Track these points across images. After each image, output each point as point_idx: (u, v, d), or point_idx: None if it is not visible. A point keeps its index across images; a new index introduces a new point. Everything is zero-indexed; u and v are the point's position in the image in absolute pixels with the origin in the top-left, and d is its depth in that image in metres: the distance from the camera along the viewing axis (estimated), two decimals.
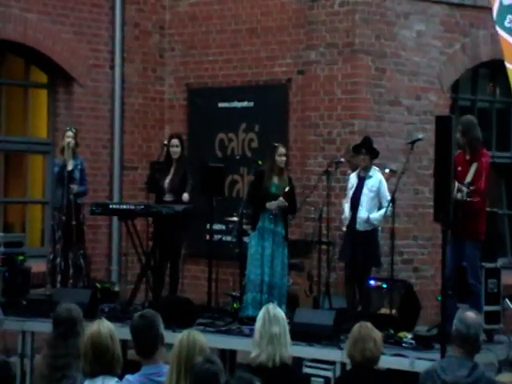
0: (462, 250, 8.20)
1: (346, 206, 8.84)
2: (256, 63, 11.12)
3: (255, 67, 11.12)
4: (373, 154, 8.83)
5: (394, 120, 10.42)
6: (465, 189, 8.00)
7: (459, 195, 7.97)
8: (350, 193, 8.80)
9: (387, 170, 9.17)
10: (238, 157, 11.11)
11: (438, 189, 7.50)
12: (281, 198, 8.88)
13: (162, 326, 4.85)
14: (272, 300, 8.67)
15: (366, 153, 8.76)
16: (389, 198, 8.71)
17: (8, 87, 11.28)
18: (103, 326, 4.57)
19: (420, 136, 9.34)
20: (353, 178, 8.88)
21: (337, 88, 10.35)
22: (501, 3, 7.70)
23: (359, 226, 8.67)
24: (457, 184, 7.88)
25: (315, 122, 10.52)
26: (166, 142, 10.09)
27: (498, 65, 10.45)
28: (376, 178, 8.77)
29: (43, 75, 11.47)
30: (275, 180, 9.01)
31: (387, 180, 9.15)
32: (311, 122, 10.56)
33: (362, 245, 8.60)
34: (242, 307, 8.93)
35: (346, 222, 8.77)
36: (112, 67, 11.49)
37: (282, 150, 9.07)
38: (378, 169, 9.32)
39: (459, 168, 8.22)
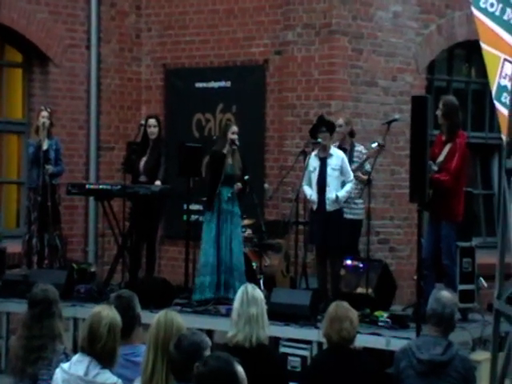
0: (438, 231, 8.25)
1: (307, 189, 8.80)
2: (233, 44, 11.08)
3: (232, 48, 11.09)
4: (332, 130, 8.80)
5: (371, 101, 10.45)
6: (435, 168, 8.07)
7: (434, 168, 8.05)
8: (314, 176, 8.73)
9: (374, 145, 9.09)
10: (215, 137, 11.08)
11: (414, 169, 7.54)
12: (239, 184, 8.99)
13: (138, 307, 4.85)
14: (233, 281, 8.75)
15: (326, 130, 8.74)
16: (351, 174, 8.75)
17: None
18: (107, 315, 4.44)
19: (396, 116, 9.38)
20: (313, 160, 8.73)
21: (314, 69, 10.36)
22: None
23: (329, 207, 8.64)
24: (429, 163, 7.92)
25: (292, 102, 10.52)
26: (142, 123, 10.06)
27: (473, 45, 10.46)
28: (337, 156, 8.72)
29: (18, 55, 11.37)
30: (229, 160, 9.05)
31: (376, 155, 9.12)
32: (288, 102, 10.56)
33: (332, 225, 8.59)
34: (197, 290, 8.92)
35: (315, 205, 8.73)
36: (88, 47, 11.41)
37: (234, 128, 9.12)
38: (361, 145, 9.30)
39: (436, 150, 8.26)
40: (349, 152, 9.22)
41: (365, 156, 9.23)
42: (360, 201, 9.23)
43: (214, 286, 8.83)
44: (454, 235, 8.33)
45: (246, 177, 9.07)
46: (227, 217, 9.00)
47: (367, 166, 9.22)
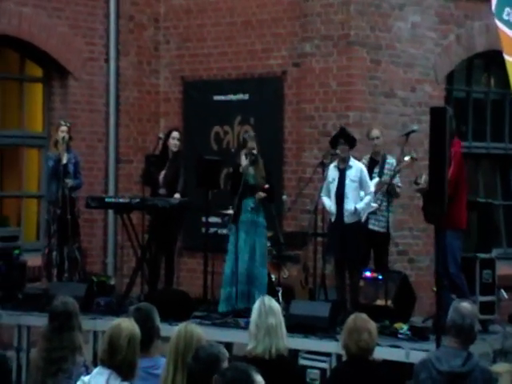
0: (443, 240, 8.19)
1: (326, 199, 8.80)
2: (251, 56, 11.11)
3: (250, 60, 11.12)
4: (351, 143, 8.81)
5: (389, 112, 10.43)
6: (424, 177, 8.06)
7: (415, 185, 8.05)
8: (332, 187, 8.75)
9: (407, 158, 9.00)
10: (233, 150, 11.11)
11: (433, 180, 7.51)
12: (260, 193, 8.99)
13: (157, 319, 4.86)
14: (254, 291, 8.75)
15: (344, 143, 8.73)
16: (371, 185, 8.72)
17: (3, 81, 11.27)
18: (126, 327, 4.43)
19: (414, 127, 9.34)
20: (332, 171, 8.76)
21: (332, 80, 10.36)
22: None
23: (347, 219, 8.64)
24: (419, 173, 7.89)
25: (310, 114, 10.52)
26: (161, 136, 10.10)
27: (492, 56, 10.47)
28: (357, 168, 8.73)
29: (38, 69, 11.46)
30: (251, 170, 9.07)
31: (408, 167, 9.06)
32: (306, 114, 10.56)
33: (350, 237, 8.59)
34: (222, 301, 8.95)
35: (333, 217, 8.73)
36: (107, 60, 11.48)
37: (252, 144, 9.13)
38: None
39: None
40: (380, 164, 9.17)
41: (397, 168, 9.06)
42: (386, 213, 9.04)
43: (234, 297, 8.84)
44: (459, 243, 8.27)
45: (266, 185, 9.08)
46: (251, 227, 8.99)
47: (397, 180, 9.13)
